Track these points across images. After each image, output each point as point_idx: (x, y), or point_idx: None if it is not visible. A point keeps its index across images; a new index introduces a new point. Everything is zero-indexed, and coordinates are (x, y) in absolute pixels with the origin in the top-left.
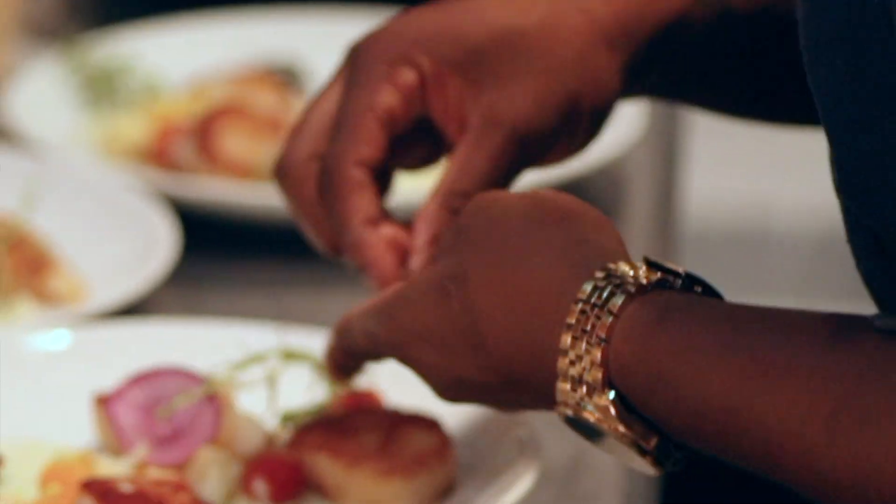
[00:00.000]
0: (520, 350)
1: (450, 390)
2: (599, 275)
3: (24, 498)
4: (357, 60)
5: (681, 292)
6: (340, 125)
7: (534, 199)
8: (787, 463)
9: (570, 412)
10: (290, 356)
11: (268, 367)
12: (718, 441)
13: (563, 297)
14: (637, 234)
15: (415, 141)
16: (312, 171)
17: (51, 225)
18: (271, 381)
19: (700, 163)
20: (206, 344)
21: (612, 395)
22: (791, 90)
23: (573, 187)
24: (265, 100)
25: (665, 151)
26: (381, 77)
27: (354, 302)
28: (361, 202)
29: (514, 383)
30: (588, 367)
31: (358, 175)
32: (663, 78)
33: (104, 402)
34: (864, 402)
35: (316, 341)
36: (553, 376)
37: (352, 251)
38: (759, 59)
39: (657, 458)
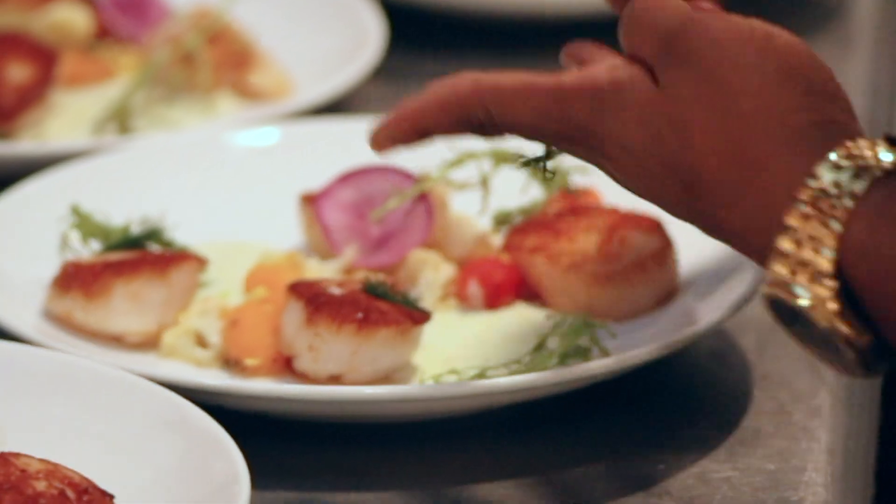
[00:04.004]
0: (739, 209)
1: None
2: (840, 154)
3: (229, 301)
4: None
5: None
6: None
7: (761, 39)
8: None
9: (778, 293)
10: (503, 156)
11: (481, 167)
12: None
13: (795, 171)
14: (860, 34)
15: None
16: None
17: (254, 18)
18: (485, 182)
19: None
20: None
21: (836, 284)
22: None
23: None
24: None
25: None
26: None
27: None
28: None
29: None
30: (817, 250)
31: None
32: None
33: (312, 202)
34: None
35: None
36: (767, 246)
37: None
38: None
39: (865, 360)
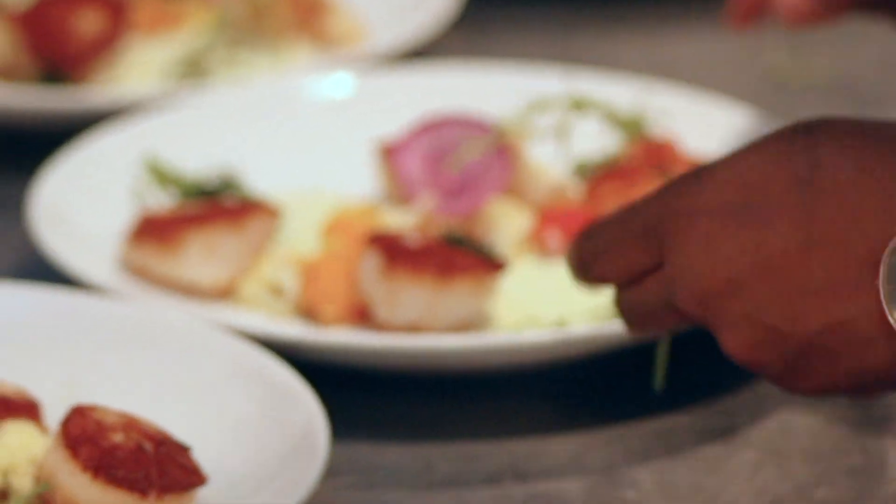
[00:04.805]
0: (860, 220)
1: (737, 274)
2: None
3: (305, 251)
4: None
5: None
6: None
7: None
8: None
9: None
10: (580, 104)
11: (559, 116)
12: None
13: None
14: None
15: None
16: None
17: None
18: (562, 130)
19: None
20: (492, 90)
21: None
22: None
23: None
24: None
25: None
26: None
27: (645, 45)
28: None
29: (831, 254)
30: None
31: None
32: None
33: (390, 152)
34: None
35: (606, 86)
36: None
37: None
38: None
39: None
